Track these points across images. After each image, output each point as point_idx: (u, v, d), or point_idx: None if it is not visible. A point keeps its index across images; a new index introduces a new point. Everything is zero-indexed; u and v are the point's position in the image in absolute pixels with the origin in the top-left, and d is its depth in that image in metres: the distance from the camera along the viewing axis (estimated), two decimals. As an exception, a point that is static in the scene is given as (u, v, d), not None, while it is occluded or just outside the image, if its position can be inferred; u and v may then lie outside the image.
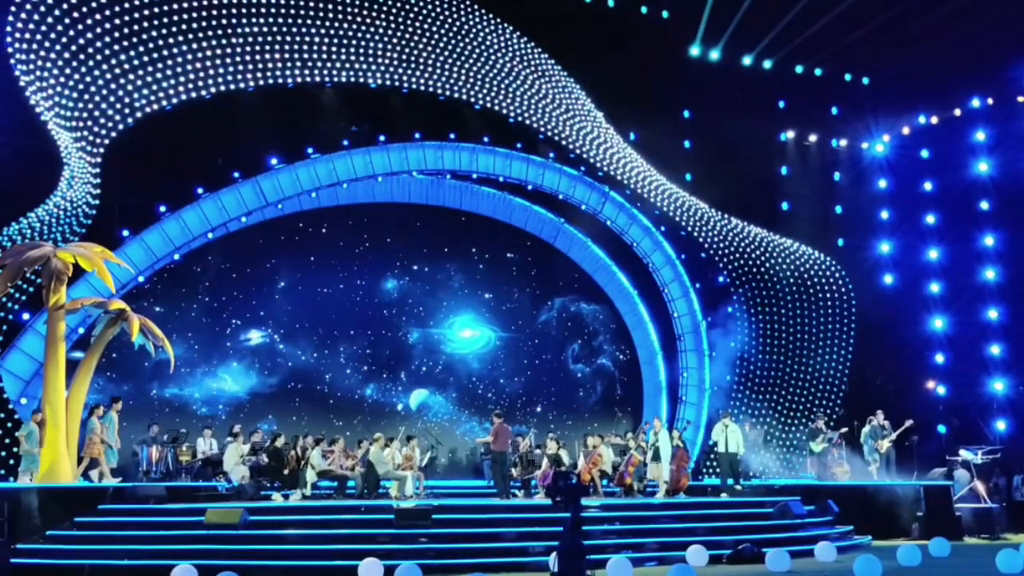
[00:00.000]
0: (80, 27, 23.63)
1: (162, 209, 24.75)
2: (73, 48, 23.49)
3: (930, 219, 33.09)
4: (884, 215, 33.79)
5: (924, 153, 33.41)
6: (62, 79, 23.21)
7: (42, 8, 23.09)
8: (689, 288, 30.43)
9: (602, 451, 22.54)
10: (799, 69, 33.19)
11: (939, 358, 32.02)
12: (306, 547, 15.57)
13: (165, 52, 24.60)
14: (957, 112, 32.31)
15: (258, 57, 25.71)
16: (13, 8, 22.62)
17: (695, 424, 29.17)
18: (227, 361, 26.59)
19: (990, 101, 31.69)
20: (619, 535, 17.13)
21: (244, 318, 27.05)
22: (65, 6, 23.44)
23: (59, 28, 23.29)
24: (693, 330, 30.41)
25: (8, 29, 22.46)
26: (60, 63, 23.25)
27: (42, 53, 22.97)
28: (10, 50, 22.42)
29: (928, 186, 33.33)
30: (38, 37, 22.96)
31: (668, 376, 30.93)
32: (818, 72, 33.46)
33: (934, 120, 32.89)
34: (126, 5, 24.22)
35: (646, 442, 24.04)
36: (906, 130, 33.41)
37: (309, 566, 15.07)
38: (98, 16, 23.86)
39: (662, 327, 31.05)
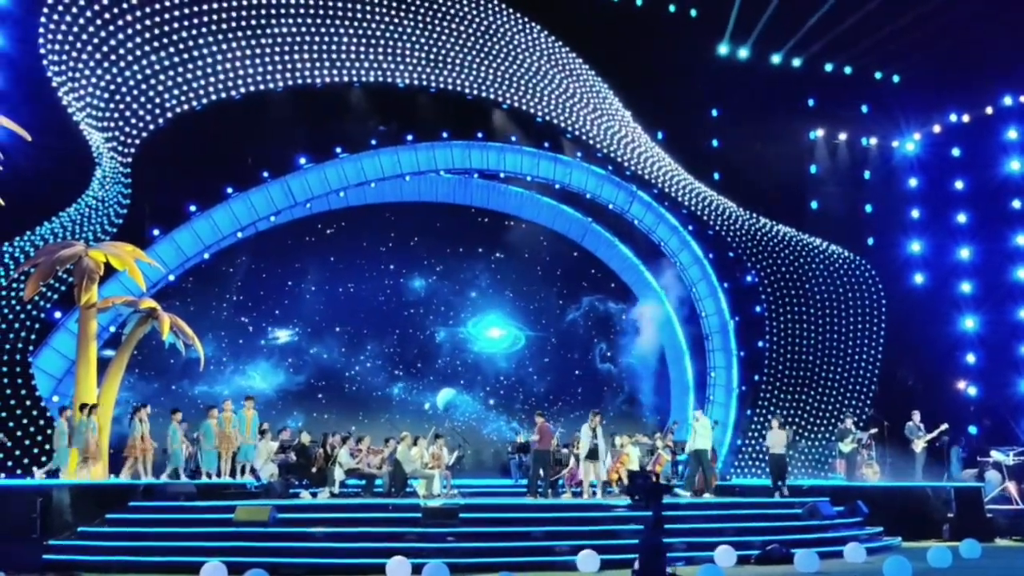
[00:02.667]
0: (111, 28, 23.84)
1: (192, 208, 24.96)
2: (104, 49, 23.72)
3: (961, 218, 32.78)
4: (915, 214, 33.51)
5: (955, 151, 33.09)
6: (94, 80, 23.44)
7: (74, 9, 23.31)
8: (717, 287, 30.36)
9: (629, 450, 22.47)
10: (828, 67, 32.97)
11: (970, 358, 31.72)
12: (334, 545, 15.61)
13: (195, 53, 24.81)
14: (989, 110, 31.99)
15: (287, 57, 25.86)
16: (46, 9, 22.85)
17: (723, 424, 29.08)
18: (255, 359, 26.78)
19: (1022, 99, 31.35)
20: (647, 535, 17.05)
21: (272, 316, 27.23)
22: (96, 7, 23.66)
23: (91, 29, 23.50)
24: (721, 329, 30.35)
25: (41, 30, 22.69)
26: (92, 64, 23.47)
27: (74, 54, 23.19)
28: (43, 51, 22.66)
29: (959, 184, 33.01)
30: (70, 38, 23.19)
31: (696, 375, 30.84)
32: (848, 70, 33.22)
33: (965, 118, 32.55)
34: (157, 6, 24.42)
35: (674, 442, 24.00)
36: (937, 128, 33.12)
37: (337, 564, 15.10)
38: (129, 17, 24.06)
39: (690, 326, 30.96)
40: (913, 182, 33.72)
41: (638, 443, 23.61)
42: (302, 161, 26.19)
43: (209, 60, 24.97)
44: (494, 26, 28.66)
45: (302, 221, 27.38)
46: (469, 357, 29.25)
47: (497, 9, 28.83)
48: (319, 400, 27.24)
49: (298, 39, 26.06)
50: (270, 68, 25.68)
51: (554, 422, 27.09)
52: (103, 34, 23.72)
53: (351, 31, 26.72)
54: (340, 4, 26.65)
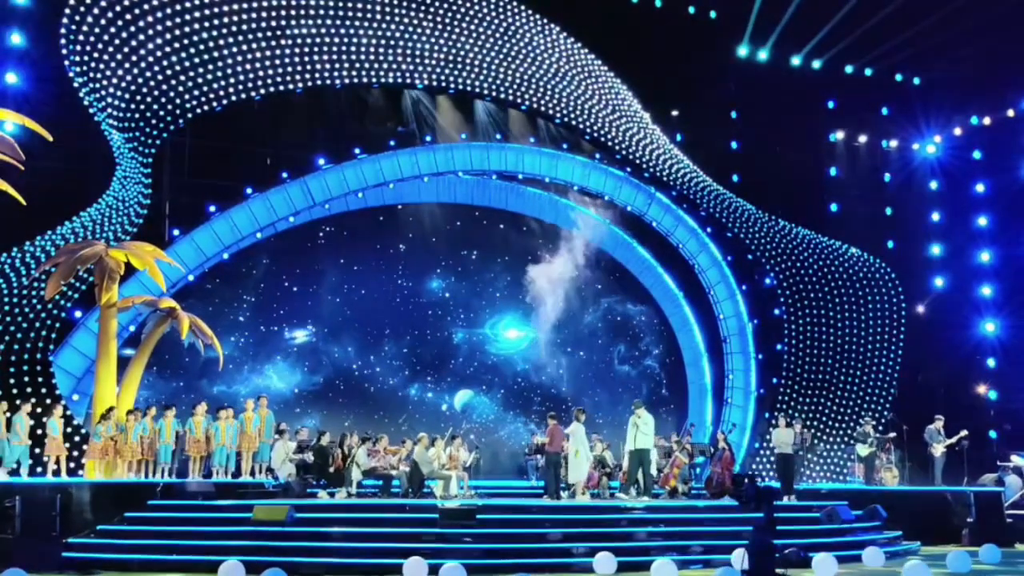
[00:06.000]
0: (132, 29, 23.94)
1: (212, 209, 25.07)
2: (125, 50, 23.81)
3: (982, 221, 32.62)
4: (935, 217, 33.36)
5: (976, 154, 32.95)
6: (115, 80, 23.55)
7: (95, 10, 23.43)
8: (735, 290, 30.26)
9: (647, 453, 22.39)
10: (849, 69, 32.85)
11: (990, 362, 31.54)
12: (352, 545, 15.63)
13: (215, 54, 24.88)
14: (1010, 113, 31.85)
15: (306, 59, 25.90)
16: (67, 10, 22.99)
17: (741, 426, 29.00)
18: (273, 359, 26.87)
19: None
20: (664, 537, 17.04)
21: (290, 317, 27.31)
22: (118, 8, 23.77)
23: (112, 30, 23.61)
24: (739, 332, 30.24)
25: (62, 31, 22.83)
26: (113, 64, 23.58)
27: (95, 54, 23.31)
28: (64, 51, 22.80)
29: (980, 188, 32.87)
30: (91, 39, 23.31)
31: (714, 378, 30.74)
32: (868, 72, 33.10)
33: (986, 121, 32.43)
34: (177, 7, 24.51)
35: (691, 444, 23.90)
36: (958, 131, 32.98)
37: (354, 564, 15.13)
38: (150, 18, 24.16)
39: (708, 329, 30.90)
40: (933, 185, 33.58)
41: (655, 445, 23.54)
42: (321, 162, 26.28)
43: (229, 61, 25.03)
44: (512, 27, 28.63)
45: (321, 222, 27.49)
46: (487, 358, 29.25)
47: (516, 10, 28.75)
48: (336, 400, 27.30)
49: (317, 40, 26.11)
50: (290, 69, 25.73)
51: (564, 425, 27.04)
52: (124, 35, 23.82)
53: (370, 32, 26.74)
54: (359, 5, 26.66)
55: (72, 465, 20.65)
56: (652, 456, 21.27)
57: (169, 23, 24.41)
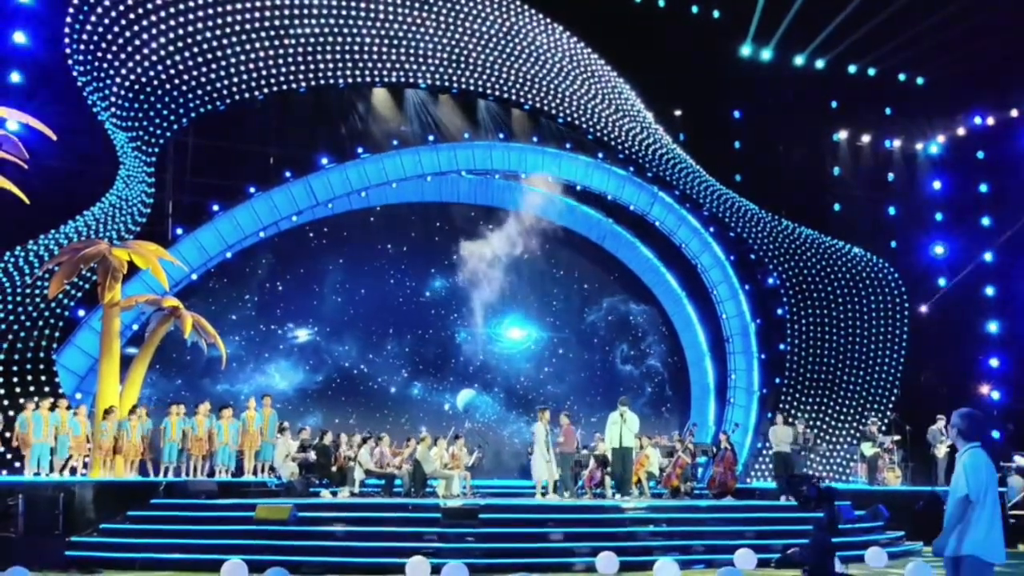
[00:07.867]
0: (136, 28, 23.96)
1: (215, 208, 25.10)
2: (129, 49, 23.84)
3: (985, 221, 32.57)
4: (938, 217, 33.33)
5: (979, 154, 32.90)
6: (118, 79, 23.58)
7: (99, 9, 23.45)
8: (738, 289, 30.23)
9: (649, 452, 22.42)
10: (852, 69, 32.82)
11: (993, 362, 31.50)
12: (354, 544, 15.62)
13: (219, 53, 24.89)
14: (1014, 113, 31.83)
15: (310, 58, 25.91)
16: (71, 9, 23.01)
17: (743, 427, 28.98)
18: (276, 358, 26.88)
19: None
20: (666, 537, 17.03)
21: (293, 316, 27.32)
22: (121, 7, 23.79)
23: (115, 29, 23.64)
24: (742, 332, 30.21)
25: (66, 30, 22.86)
26: (116, 63, 23.61)
27: (99, 54, 23.34)
28: (68, 51, 22.83)
29: (984, 188, 32.82)
30: (95, 38, 23.34)
31: (716, 378, 30.74)
32: (871, 72, 33.06)
33: (990, 121, 32.42)
34: (181, 7, 24.52)
35: (694, 444, 23.89)
36: (961, 131, 32.96)
37: (357, 563, 15.11)
38: (153, 17, 24.18)
39: (710, 328, 30.89)
40: (937, 185, 33.56)
41: (657, 444, 23.57)
42: (324, 161, 26.30)
43: (232, 60, 25.05)
44: (516, 27, 28.60)
45: (323, 221, 27.50)
46: (489, 358, 29.23)
47: (519, 10, 28.73)
48: (339, 399, 27.31)
49: (321, 40, 26.11)
50: (293, 68, 25.74)
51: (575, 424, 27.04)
52: (128, 34, 23.85)
53: (373, 32, 26.74)
54: (363, 5, 26.67)
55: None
56: (633, 455, 21.32)
57: (173, 22, 24.42)
